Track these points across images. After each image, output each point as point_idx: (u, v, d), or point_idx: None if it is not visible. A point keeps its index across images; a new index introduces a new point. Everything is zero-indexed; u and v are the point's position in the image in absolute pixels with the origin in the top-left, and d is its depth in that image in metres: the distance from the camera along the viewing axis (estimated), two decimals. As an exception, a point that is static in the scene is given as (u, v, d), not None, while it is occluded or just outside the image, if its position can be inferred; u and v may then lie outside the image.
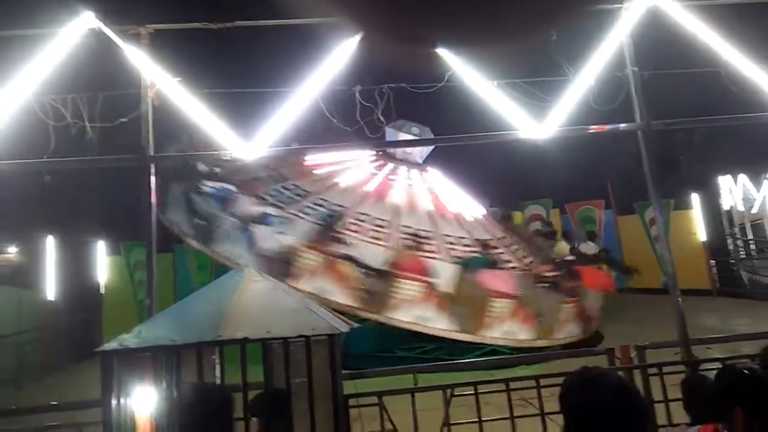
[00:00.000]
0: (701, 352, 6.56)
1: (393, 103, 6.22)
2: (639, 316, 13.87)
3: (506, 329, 10.79)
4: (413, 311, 10.69)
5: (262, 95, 6.19)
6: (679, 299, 6.18)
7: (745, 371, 2.38)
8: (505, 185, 20.35)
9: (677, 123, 6.98)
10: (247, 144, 5.81)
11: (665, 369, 5.58)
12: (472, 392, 5.31)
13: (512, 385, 5.38)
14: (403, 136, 13.55)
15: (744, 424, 2.26)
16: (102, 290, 16.59)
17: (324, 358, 4.11)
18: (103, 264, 16.79)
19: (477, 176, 17.98)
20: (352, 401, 5.10)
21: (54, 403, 5.83)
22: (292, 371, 3.93)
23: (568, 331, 11.35)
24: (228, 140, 5.83)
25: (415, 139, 13.64)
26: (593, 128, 6.52)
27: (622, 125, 6.57)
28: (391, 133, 13.05)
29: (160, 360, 3.75)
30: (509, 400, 5.31)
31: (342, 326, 4.16)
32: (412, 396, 5.26)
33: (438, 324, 10.74)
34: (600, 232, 19.61)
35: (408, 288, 10.70)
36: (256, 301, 4.14)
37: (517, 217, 19.47)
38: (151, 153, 5.96)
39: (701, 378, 3.89)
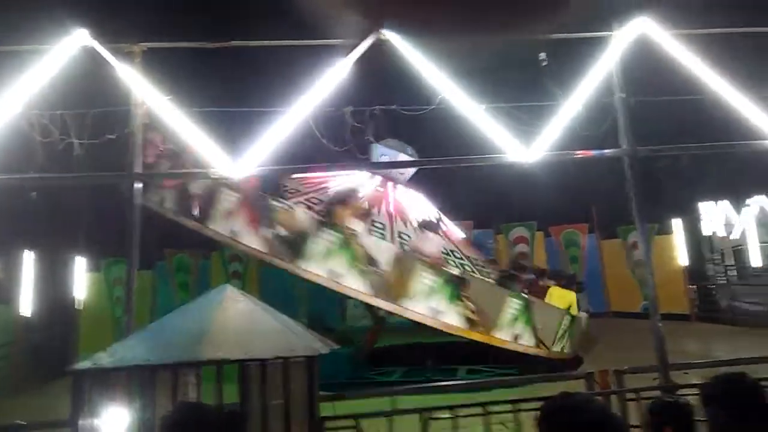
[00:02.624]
0: (679, 377, 6.59)
1: (382, 124, 6.26)
2: (618, 340, 13.87)
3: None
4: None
5: (253, 115, 6.19)
6: (659, 324, 6.22)
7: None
8: (488, 207, 20.42)
9: (662, 149, 7.09)
10: (236, 162, 5.80)
11: (642, 394, 5.60)
12: (450, 416, 5.28)
13: (490, 408, 5.36)
14: (393, 154, 13.37)
15: None
16: (79, 306, 16.25)
17: (302, 380, 4.07)
18: (81, 280, 16.45)
19: (460, 198, 18.04)
20: (329, 423, 5.03)
21: (22, 422, 5.66)
22: (269, 392, 3.89)
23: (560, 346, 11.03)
24: (217, 158, 5.81)
25: (405, 160, 13.28)
26: (579, 153, 6.58)
27: (608, 151, 6.65)
28: (379, 150, 13.00)
29: (135, 380, 3.69)
30: (488, 423, 5.28)
31: (321, 348, 4.13)
32: (389, 419, 5.21)
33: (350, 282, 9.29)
34: (584, 255, 19.75)
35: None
36: (236, 321, 4.10)
37: (501, 240, 19.57)
38: (138, 170, 5.93)
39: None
